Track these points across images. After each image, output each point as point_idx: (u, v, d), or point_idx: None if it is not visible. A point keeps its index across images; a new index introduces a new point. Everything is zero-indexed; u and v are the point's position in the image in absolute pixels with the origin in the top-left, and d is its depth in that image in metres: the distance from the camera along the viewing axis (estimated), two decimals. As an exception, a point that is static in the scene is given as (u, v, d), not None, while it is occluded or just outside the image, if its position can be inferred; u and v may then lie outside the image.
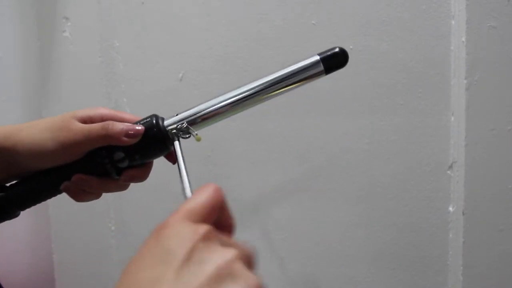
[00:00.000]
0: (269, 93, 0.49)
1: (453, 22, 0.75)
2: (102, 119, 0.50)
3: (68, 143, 0.47)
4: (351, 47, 0.80)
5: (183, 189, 0.42)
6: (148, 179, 0.51)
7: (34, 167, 0.49)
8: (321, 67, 0.48)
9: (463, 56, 0.74)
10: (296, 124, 0.85)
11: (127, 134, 0.47)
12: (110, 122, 0.48)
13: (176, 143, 0.49)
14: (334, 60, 0.48)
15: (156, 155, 0.50)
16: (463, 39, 0.74)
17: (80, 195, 0.49)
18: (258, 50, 0.85)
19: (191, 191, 0.42)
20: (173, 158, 0.50)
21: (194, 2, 0.89)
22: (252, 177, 0.89)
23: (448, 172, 0.78)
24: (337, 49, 0.48)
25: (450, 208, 0.79)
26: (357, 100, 0.81)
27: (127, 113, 0.51)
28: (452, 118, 0.77)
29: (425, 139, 0.79)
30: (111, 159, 0.48)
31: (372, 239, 0.83)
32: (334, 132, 0.83)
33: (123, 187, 0.51)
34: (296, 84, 0.49)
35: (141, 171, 0.50)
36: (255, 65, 0.85)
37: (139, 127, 0.48)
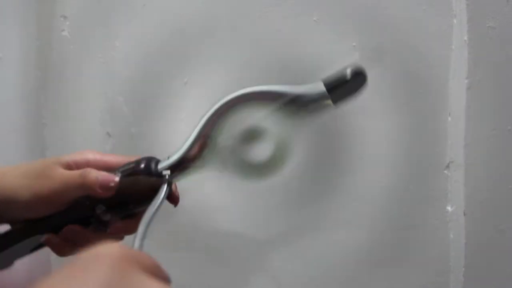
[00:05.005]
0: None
1: (454, 21, 0.75)
2: (88, 164, 0.44)
3: (44, 192, 0.42)
4: (354, 44, 0.79)
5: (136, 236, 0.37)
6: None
7: (12, 217, 0.44)
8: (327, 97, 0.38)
9: (464, 56, 0.74)
10: (296, 124, 0.85)
11: (101, 186, 0.41)
12: (88, 170, 0.42)
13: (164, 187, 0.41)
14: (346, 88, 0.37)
15: (143, 206, 0.42)
16: (465, 38, 0.74)
17: (66, 249, 0.44)
18: (258, 49, 0.85)
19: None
20: (174, 201, 0.44)
21: (194, 2, 0.89)
22: (252, 177, 0.89)
23: (445, 171, 0.78)
24: (348, 71, 0.37)
25: (449, 208, 0.79)
26: (357, 100, 0.81)
27: (115, 155, 0.46)
28: (449, 118, 0.77)
29: (424, 139, 0.79)
30: (94, 212, 0.43)
31: (372, 239, 0.83)
32: (333, 132, 0.83)
33: (118, 238, 0.45)
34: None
35: (128, 224, 0.44)
36: (255, 65, 0.85)
37: (112, 180, 0.42)
